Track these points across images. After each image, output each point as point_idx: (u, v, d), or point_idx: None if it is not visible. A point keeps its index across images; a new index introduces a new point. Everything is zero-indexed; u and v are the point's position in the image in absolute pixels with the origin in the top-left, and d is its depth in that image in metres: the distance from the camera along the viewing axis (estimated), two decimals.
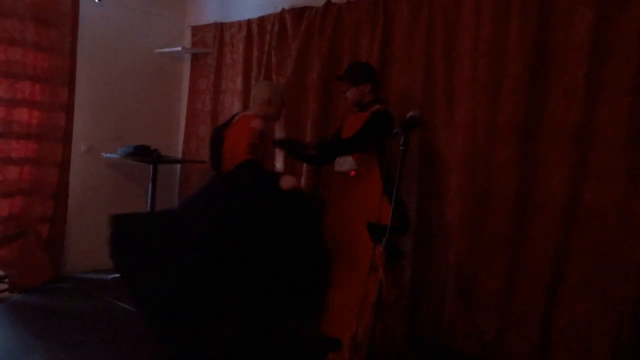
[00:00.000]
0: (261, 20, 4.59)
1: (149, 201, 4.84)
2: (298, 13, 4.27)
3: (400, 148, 2.46)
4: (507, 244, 3.20)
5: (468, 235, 3.35)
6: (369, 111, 3.18)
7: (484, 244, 3.30)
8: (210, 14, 5.13)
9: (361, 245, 3.00)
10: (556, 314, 3.06)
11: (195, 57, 5.28)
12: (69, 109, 4.45)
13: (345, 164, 3.23)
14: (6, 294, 3.98)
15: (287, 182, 2.96)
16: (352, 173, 3.19)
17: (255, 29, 4.62)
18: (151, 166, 4.81)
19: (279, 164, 4.14)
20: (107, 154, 4.71)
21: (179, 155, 5.34)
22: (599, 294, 2.91)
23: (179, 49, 5.11)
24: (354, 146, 3.13)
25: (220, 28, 4.96)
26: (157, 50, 5.14)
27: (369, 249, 2.80)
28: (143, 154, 4.58)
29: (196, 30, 5.22)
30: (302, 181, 4.08)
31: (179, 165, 5.36)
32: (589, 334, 2.93)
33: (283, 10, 4.37)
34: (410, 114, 2.59)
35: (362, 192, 3.11)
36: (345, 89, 3.27)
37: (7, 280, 4.04)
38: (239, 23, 4.79)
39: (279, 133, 4.23)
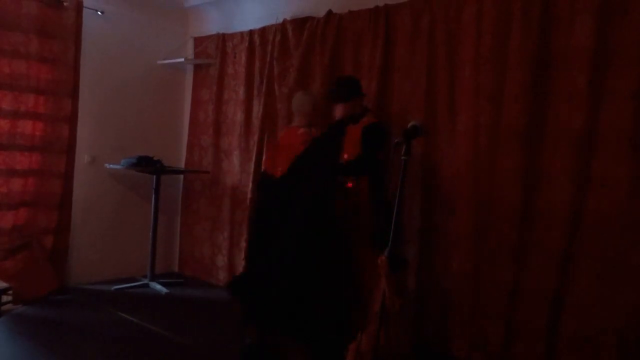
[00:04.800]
0: (263, 30, 4.61)
1: (153, 211, 4.85)
2: (299, 23, 4.30)
3: (402, 158, 2.46)
4: (512, 252, 3.19)
5: (472, 243, 3.33)
6: (360, 123, 3.26)
7: (488, 252, 3.29)
8: (212, 25, 5.16)
9: (361, 255, 3.02)
10: (562, 322, 3.03)
11: (197, 68, 5.31)
12: (72, 121, 4.48)
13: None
14: (10, 305, 3.98)
15: None
16: (350, 184, 3.21)
17: (257, 40, 4.65)
18: (154, 176, 4.83)
19: None
20: (111, 165, 4.73)
21: (182, 166, 5.36)
22: (605, 301, 2.88)
23: (182, 60, 5.14)
24: (369, 164, 3.19)
25: (223, 39, 4.99)
26: (159, 62, 5.17)
27: (369, 258, 2.82)
28: (146, 164, 4.60)
29: (198, 41, 5.25)
30: None
31: (182, 176, 5.38)
32: (596, 342, 2.90)
33: (285, 21, 4.40)
34: (411, 123, 2.60)
35: (358, 202, 3.13)
36: (337, 106, 3.31)
37: (11, 292, 4.04)
38: (241, 34, 4.82)
39: None
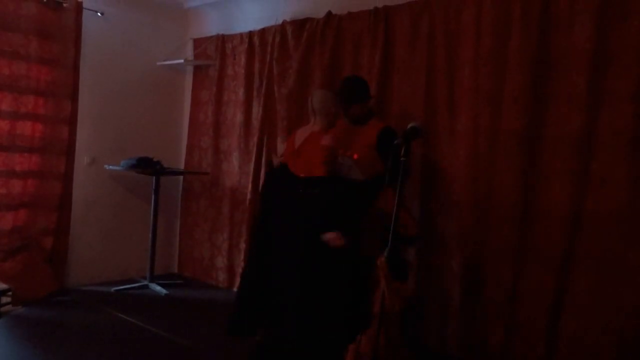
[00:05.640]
0: (262, 32, 4.62)
1: (152, 212, 4.85)
2: (299, 24, 4.30)
3: (402, 159, 2.47)
4: (511, 253, 3.19)
5: (471, 244, 3.34)
6: (370, 126, 3.24)
7: (488, 253, 3.29)
8: (211, 26, 5.17)
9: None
10: (562, 323, 3.03)
11: (197, 69, 5.31)
12: (72, 122, 4.49)
13: (352, 174, 3.26)
14: (9, 307, 3.98)
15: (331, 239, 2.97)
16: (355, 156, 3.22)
17: (257, 41, 4.65)
18: (154, 178, 4.83)
19: None
20: (110, 166, 4.73)
21: (182, 167, 5.36)
22: (604, 302, 2.89)
23: (181, 61, 5.14)
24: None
25: (222, 40, 4.99)
26: (159, 63, 5.17)
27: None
28: (146, 165, 4.60)
29: (198, 42, 5.26)
30: None
31: (181, 177, 5.38)
32: (595, 343, 2.91)
33: (284, 22, 4.40)
34: (410, 124, 2.60)
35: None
36: (347, 106, 3.30)
37: (10, 293, 4.04)
38: (241, 35, 4.83)
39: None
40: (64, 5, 4.36)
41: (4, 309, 3.91)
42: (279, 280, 3.09)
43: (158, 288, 4.69)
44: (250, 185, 4.61)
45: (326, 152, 3.09)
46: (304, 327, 2.97)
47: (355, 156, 3.26)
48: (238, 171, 4.83)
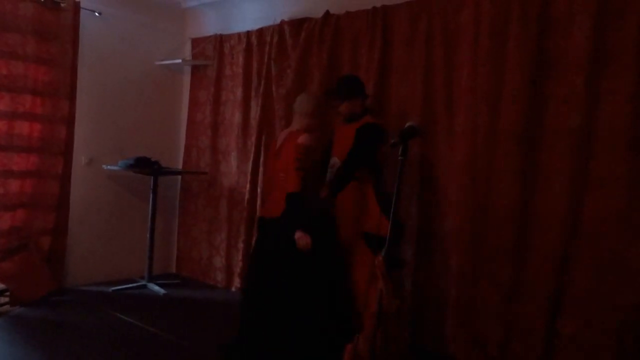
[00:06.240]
0: (260, 32, 4.61)
1: (150, 212, 4.85)
2: (297, 24, 4.30)
3: (399, 158, 2.47)
4: (509, 253, 3.19)
5: (469, 244, 3.33)
6: (359, 123, 3.24)
7: (486, 253, 3.29)
8: (210, 26, 5.16)
9: (357, 254, 3.03)
10: (560, 323, 3.03)
11: (195, 69, 5.30)
12: (70, 122, 4.48)
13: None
14: (7, 307, 3.97)
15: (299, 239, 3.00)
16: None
17: (255, 41, 4.65)
18: (152, 177, 4.83)
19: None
20: (108, 166, 4.72)
21: (180, 167, 5.35)
22: (603, 302, 2.89)
23: (179, 61, 5.14)
24: (354, 166, 3.18)
25: (220, 40, 4.99)
26: (157, 63, 5.17)
27: (366, 257, 2.83)
28: (144, 165, 4.59)
29: (196, 42, 5.25)
30: None
31: (179, 177, 5.38)
32: (594, 343, 2.91)
33: (282, 22, 4.40)
34: (408, 123, 2.60)
35: (354, 202, 3.14)
36: (338, 103, 3.31)
37: (8, 293, 4.04)
38: (239, 35, 4.82)
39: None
40: (62, 5, 4.34)
41: (2, 309, 3.91)
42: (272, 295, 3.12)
43: (156, 288, 4.68)
44: (248, 185, 4.61)
45: (300, 150, 3.09)
46: (298, 331, 2.98)
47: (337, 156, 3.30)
48: (236, 171, 4.83)
